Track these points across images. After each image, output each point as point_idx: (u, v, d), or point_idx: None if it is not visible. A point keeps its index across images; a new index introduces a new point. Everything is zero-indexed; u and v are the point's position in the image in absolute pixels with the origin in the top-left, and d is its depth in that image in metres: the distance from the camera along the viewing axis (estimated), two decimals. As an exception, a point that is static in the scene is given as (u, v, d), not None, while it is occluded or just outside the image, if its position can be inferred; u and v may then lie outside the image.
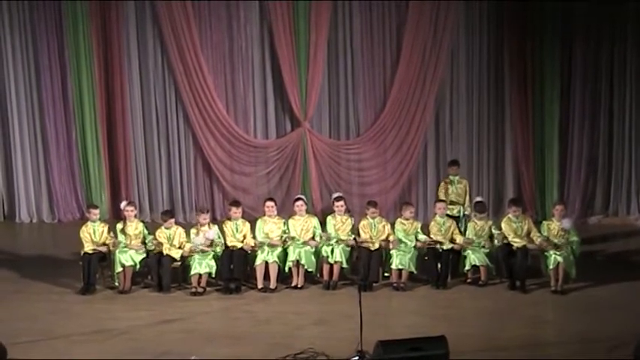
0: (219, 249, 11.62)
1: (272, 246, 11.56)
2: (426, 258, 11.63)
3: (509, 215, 11.66)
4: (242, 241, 11.67)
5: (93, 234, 11.68)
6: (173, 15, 14.93)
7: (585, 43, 14.50)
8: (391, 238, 11.63)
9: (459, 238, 11.64)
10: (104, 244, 11.66)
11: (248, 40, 15.16)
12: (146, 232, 11.79)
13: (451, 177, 12.84)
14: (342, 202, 11.96)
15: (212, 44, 15.16)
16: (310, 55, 14.84)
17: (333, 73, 15.21)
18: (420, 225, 11.91)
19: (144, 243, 11.70)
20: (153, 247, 11.64)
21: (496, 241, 11.55)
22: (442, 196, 12.57)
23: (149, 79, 15.43)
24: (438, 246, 11.60)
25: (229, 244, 11.66)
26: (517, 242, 11.32)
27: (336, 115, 15.37)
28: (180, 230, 11.76)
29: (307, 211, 12.22)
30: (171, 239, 11.61)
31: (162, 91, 15.44)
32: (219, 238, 11.67)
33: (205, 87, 15.11)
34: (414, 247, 11.63)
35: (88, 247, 11.59)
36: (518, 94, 14.76)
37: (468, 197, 12.76)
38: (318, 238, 11.73)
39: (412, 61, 14.75)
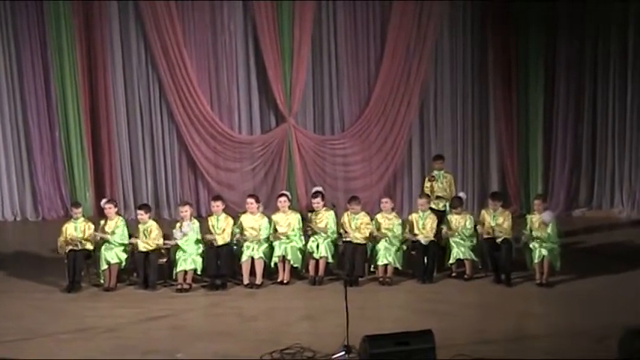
0: (194, 246, 11.53)
1: (248, 241, 11.53)
2: (413, 252, 11.63)
3: (490, 208, 11.72)
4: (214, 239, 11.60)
5: (74, 231, 11.64)
6: (156, 11, 14.86)
7: (569, 40, 14.54)
8: (374, 233, 11.63)
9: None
10: (86, 239, 11.62)
11: (232, 36, 15.11)
12: (126, 229, 11.71)
13: (436, 172, 12.83)
14: (318, 199, 11.87)
15: (196, 40, 15.10)
16: (294, 51, 14.80)
17: (318, 69, 15.19)
18: (398, 220, 11.86)
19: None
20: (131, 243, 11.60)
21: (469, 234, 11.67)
22: (427, 191, 12.56)
23: (133, 76, 15.36)
24: (421, 239, 11.59)
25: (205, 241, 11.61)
26: (484, 232, 11.46)
27: (321, 111, 15.36)
28: (154, 225, 11.67)
29: (291, 208, 12.19)
30: (147, 233, 11.54)
31: (145, 87, 15.38)
32: (196, 234, 11.59)
33: (189, 83, 15.05)
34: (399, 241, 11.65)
35: (62, 245, 11.57)
36: (502, 88, 14.80)
37: (453, 191, 12.76)
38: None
39: (396, 57, 14.75)
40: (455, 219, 11.73)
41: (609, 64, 14.60)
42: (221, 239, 11.53)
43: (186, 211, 11.67)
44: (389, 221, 11.75)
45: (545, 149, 14.95)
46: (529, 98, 14.79)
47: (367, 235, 11.61)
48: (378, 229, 11.69)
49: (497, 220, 11.52)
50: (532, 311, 10.46)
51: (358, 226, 11.69)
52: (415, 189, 14.87)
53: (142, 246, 11.44)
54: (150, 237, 11.48)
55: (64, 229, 11.72)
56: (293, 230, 11.70)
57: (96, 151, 15.56)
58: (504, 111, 14.85)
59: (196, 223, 11.73)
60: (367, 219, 11.78)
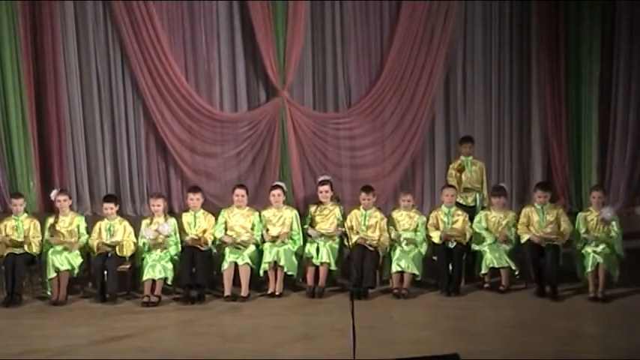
0: (172, 249, 11.60)
1: (238, 246, 11.58)
2: (434, 258, 11.65)
3: (535, 204, 11.71)
4: (199, 238, 11.67)
5: (15, 229, 11.67)
6: (117, -44, 14.87)
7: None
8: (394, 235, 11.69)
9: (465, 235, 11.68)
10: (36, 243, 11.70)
11: (212, -12, 15.13)
12: (84, 228, 11.75)
13: (464, 157, 12.85)
14: (326, 187, 12.01)
15: (166, -7, 15.11)
16: (290, 7, 14.78)
17: (318, 30, 15.17)
18: (422, 218, 11.93)
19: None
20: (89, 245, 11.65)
21: (513, 238, 11.72)
22: (452, 182, 12.59)
23: (88, 37, 15.29)
24: (447, 243, 11.64)
25: (186, 240, 11.70)
26: (525, 234, 11.52)
27: (322, 82, 15.35)
28: (126, 224, 11.78)
29: (286, 202, 12.24)
30: (113, 232, 11.59)
31: (104, 52, 15.33)
32: (175, 234, 11.67)
33: (158, 46, 15.01)
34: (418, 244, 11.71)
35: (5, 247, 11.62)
36: (547, 51, 14.75)
37: (485, 183, 12.78)
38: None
39: (416, 14, 14.73)
40: (492, 216, 11.73)
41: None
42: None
43: (159, 204, 11.78)
44: (411, 220, 11.77)
45: (602, 129, 14.94)
46: (581, 62, 14.74)
47: (385, 242, 11.66)
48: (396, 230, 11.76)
49: (548, 219, 11.51)
50: (584, 331, 10.49)
51: (372, 224, 11.71)
52: (439, 179, 14.89)
53: (129, 250, 11.58)
54: (125, 237, 11.61)
55: (1, 226, 11.75)
56: (292, 230, 11.77)
57: (41, 130, 15.51)
58: (550, 79, 14.81)
59: (174, 221, 11.78)
60: (381, 214, 11.82)
